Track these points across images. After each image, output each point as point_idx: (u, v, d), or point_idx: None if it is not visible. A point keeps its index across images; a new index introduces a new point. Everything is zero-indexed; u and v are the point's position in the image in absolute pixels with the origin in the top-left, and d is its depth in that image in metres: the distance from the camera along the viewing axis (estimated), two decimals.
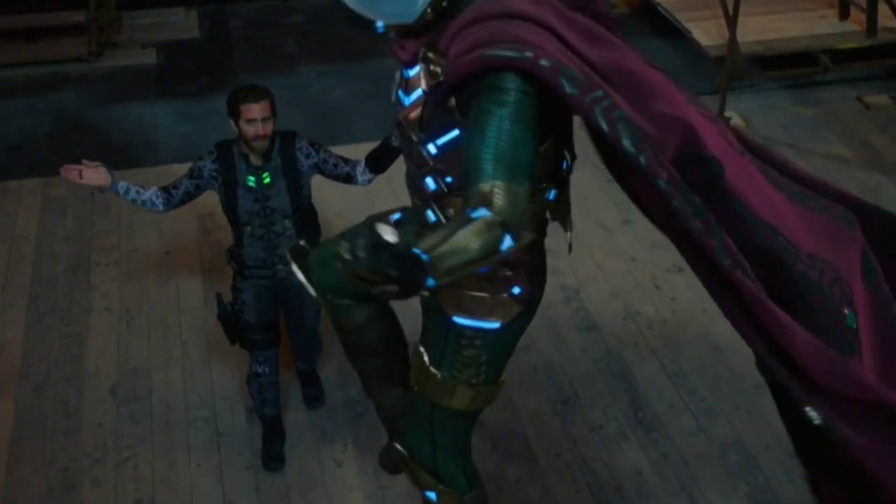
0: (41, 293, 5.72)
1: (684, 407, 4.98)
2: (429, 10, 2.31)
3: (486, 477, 4.54)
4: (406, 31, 2.35)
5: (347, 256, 1.95)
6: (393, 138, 3.88)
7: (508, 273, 2.73)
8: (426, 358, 2.77)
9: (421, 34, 2.35)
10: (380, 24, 2.34)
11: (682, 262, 5.75)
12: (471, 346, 2.78)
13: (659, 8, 8.23)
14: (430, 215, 2.57)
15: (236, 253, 4.49)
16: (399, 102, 2.45)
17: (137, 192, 4.36)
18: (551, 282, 5.75)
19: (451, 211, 2.49)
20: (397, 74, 2.47)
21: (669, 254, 5.96)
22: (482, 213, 2.20)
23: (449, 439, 2.96)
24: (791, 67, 7.65)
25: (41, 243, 6.12)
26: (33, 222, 6.31)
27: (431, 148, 2.42)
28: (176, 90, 7.79)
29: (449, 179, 2.45)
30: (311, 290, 2.86)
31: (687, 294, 5.70)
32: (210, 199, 6.08)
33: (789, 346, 2.41)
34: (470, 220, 2.17)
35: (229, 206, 4.40)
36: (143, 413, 4.93)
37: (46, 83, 7.84)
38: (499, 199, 2.17)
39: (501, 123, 2.19)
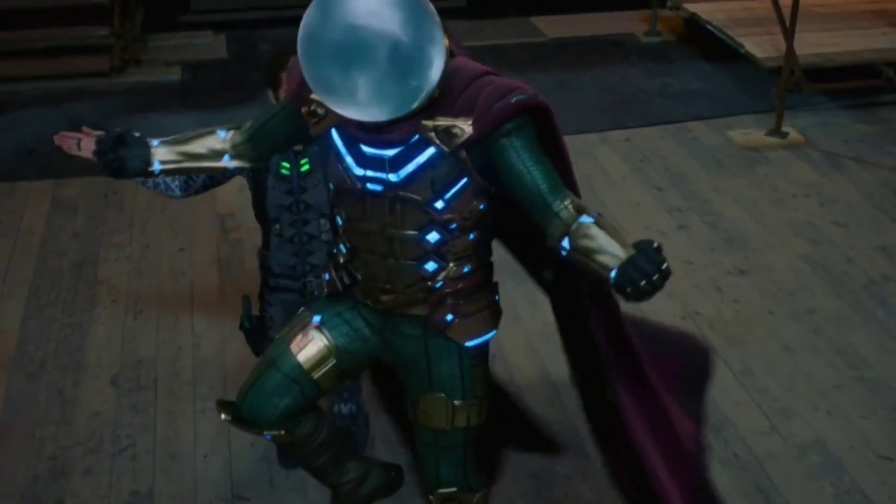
0: (43, 285, 5.26)
1: (755, 406, 4.42)
2: (436, 91, 2.40)
3: (532, 474, 4.02)
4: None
5: (646, 285, 2.38)
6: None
7: (496, 280, 2.86)
8: (451, 401, 2.79)
9: (412, 114, 2.41)
10: (380, 116, 2.43)
11: (745, 265, 5.43)
12: (479, 363, 2.83)
13: (708, 26, 7.84)
14: (431, 266, 2.61)
15: (263, 256, 3.77)
16: (380, 182, 2.51)
17: None
18: None
19: (452, 255, 2.61)
20: (348, 161, 2.55)
21: (730, 257, 5.58)
22: (587, 218, 2.46)
23: (475, 451, 3.00)
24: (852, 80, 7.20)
25: (47, 239, 5.69)
26: (40, 220, 5.88)
27: (439, 204, 2.51)
28: (199, 103, 7.43)
29: (453, 226, 2.55)
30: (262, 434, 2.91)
31: (751, 296, 5.18)
32: (231, 198, 5.72)
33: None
34: (597, 225, 2.47)
35: (257, 198, 3.64)
36: (147, 402, 4.41)
37: (65, 96, 7.50)
38: (580, 203, 2.50)
39: (539, 152, 2.43)
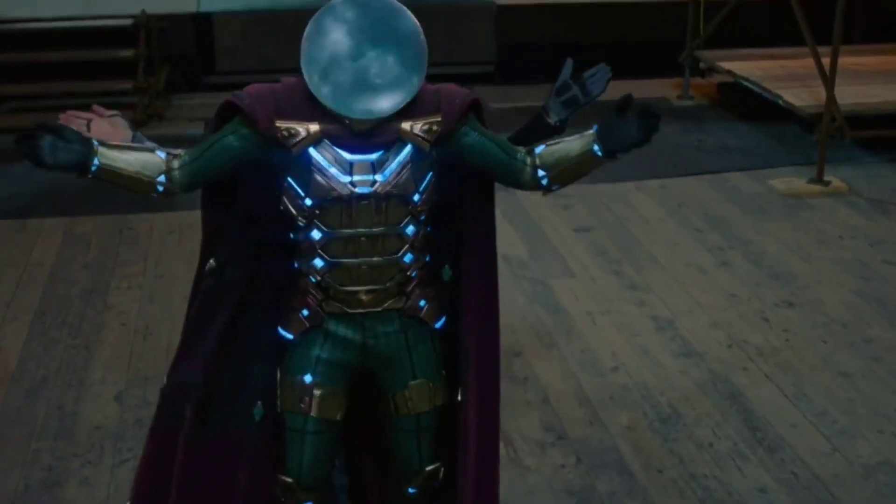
0: (49, 310, 4.99)
1: (812, 428, 4.05)
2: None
3: (571, 491, 3.67)
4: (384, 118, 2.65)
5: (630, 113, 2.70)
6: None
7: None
8: (431, 383, 2.91)
9: (394, 117, 2.64)
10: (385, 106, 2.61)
11: (793, 299, 5.10)
12: (442, 344, 2.94)
13: (744, 82, 7.65)
14: (408, 257, 2.78)
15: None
16: (368, 184, 2.69)
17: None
18: (639, 312, 5.02)
19: (418, 246, 2.80)
20: (333, 171, 2.69)
21: (777, 291, 5.26)
22: (540, 146, 2.79)
23: None
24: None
25: (57, 269, 5.44)
26: (51, 252, 5.64)
27: (416, 197, 2.72)
28: None
29: (423, 217, 2.77)
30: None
31: (801, 327, 4.85)
32: None
33: None
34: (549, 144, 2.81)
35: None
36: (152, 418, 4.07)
37: None
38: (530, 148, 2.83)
39: (488, 130, 2.80)
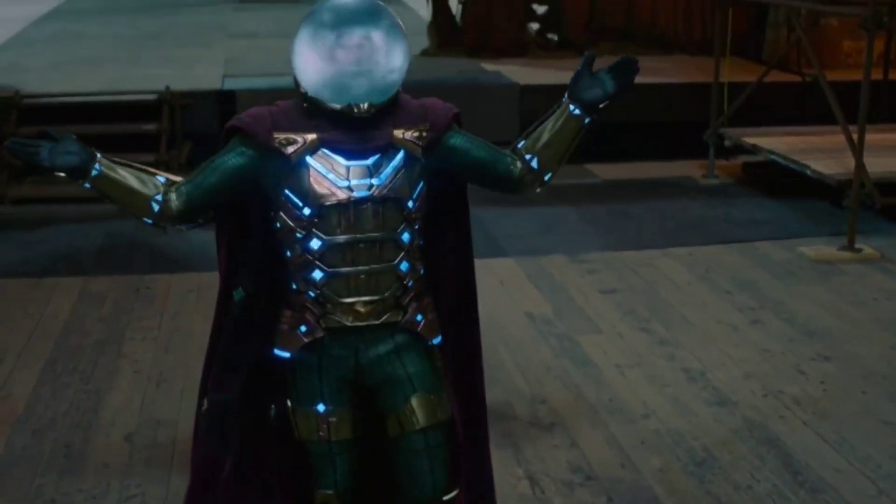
0: (61, 358, 4.87)
1: (857, 472, 3.85)
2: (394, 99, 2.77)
3: None
4: (373, 119, 2.72)
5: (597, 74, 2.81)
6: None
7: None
8: (432, 395, 2.85)
9: (382, 122, 2.74)
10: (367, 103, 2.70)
11: (830, 352, 4.92)
12: (439, 360, 2.91)
13: (771, 156, 7.58)
14: (404, 266, 2.78)
15: None
16: (365, 188, 2.74)
17: None
18: (669, 365, 4.84)
19: (413, 256, 2.82)
20: (331, 177, 2.73)
21: (812, 347, 5.07)
22: (521, 140, 2.89)
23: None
24: None
25: (71, 322, 5.33)
26: (66, 307, 5.54)
27: (410, 203, 2.76)
28: None
29: (416, 226, 2.79)
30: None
31: (839, 378, 4.67)
32: None
33: None
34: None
35: None
36: (163, 458, 3.94)
37: (105, 216, 7.25)
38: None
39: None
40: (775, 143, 7.77)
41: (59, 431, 4.15)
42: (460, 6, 10.76)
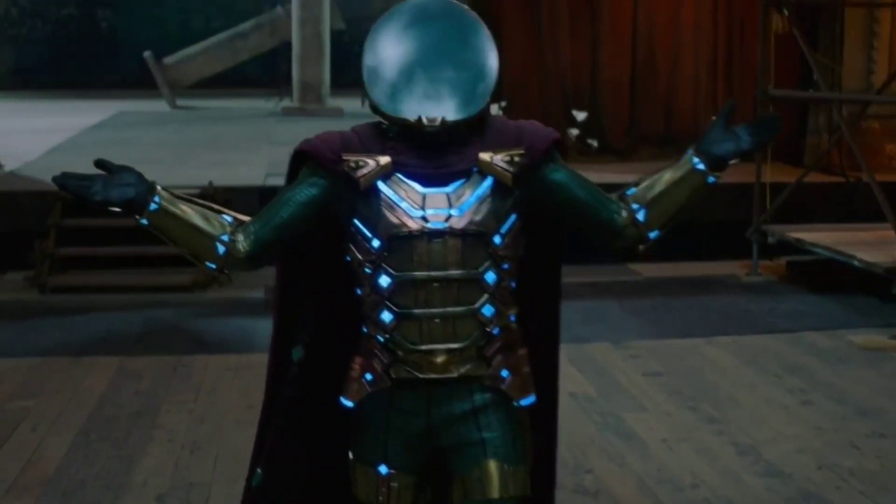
0: (94, 428, 4.79)
1: None
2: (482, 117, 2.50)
3: None
4: (456, 140, 2.47)
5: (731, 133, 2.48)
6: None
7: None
8: (505, 465, 2.50)
9: (466, 143, 2.47)
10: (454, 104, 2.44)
11: (886, 430, 4.76)
12: (525, 429, 2.55)
13: (815, 249, 7.49)
14: (488, 310, 2.44)
15: None
16: (443, 219, 2.44)
17: None
18: (718, 440, 4.69)
19: (501, 301, 2.48)
20: (404, 205, 2.45)
21: (866, 425, 4.90)
22: (632, 189, 2.55)
23: None
24: None
25: (107, 395, 5.26)
26: (102, 382, 5.47)
27: (497, 239, 2.44)
28: None
29: (506, 266, 2.46)
30: None
31: None
32: None
33: None
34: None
35: None
36: None
37: (146, 305, 7.26)
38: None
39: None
40: (820, 237, 7.68)
41: (89, 492, 4.06)
42: (500, 112, 10.88)
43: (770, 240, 8.16)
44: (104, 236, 7.92)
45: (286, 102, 15.59)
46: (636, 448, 4.58)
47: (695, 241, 8.96)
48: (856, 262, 7.00)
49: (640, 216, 2.50)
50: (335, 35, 15.99)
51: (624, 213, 2.50)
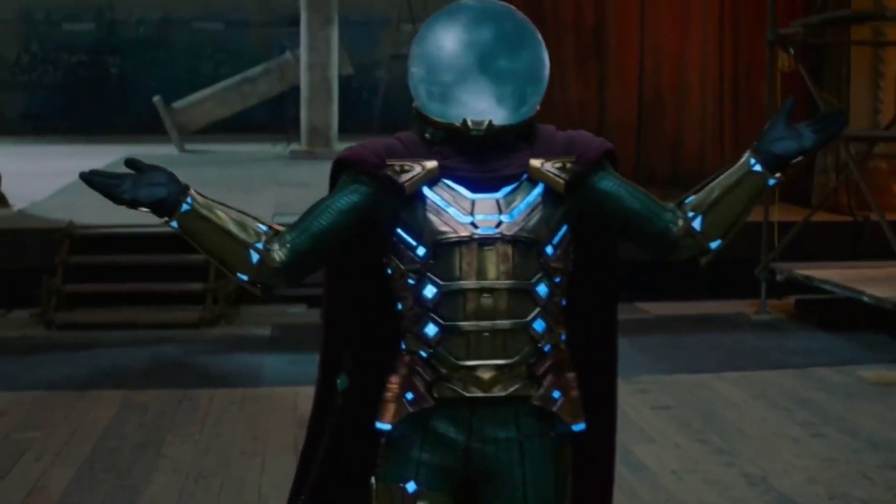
0: (98, 459, 4.76)
1: None
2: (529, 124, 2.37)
3: None
4: (503, 146, 2.33)
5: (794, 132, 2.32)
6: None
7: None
8: None
9: (514, 150, 2.34)
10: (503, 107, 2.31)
11: None
12: (569, 463, 2.37)
13: (826, 286, 7.46)
14: (539, 325, 2.28)
15: None
16: (493, 225, 2.29)
17: None
18: (728, 472, 4.63)
19: (552, 316, 2.32)
20: (452, 211, 2.30)
21: (879, 457, 4.84)
22: (690, 197, 2.39)
23: None
24: None
25: (112, 427, 5.23)
26: (107, 414, 5.44)
27: (549, 249, 2.29)
28: (290, 348, 7.08)
29: (558, 279, 2.31)
30: None
31: None
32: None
33: None
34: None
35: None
36: None
37: (152, 340, 7.24)
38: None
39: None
40: (829, 274, 7.66)
41: None
42: None
43: (779, 277, 8.13)
44: (111, 273, 7.95)
45: (294, 146, 15.67)
46: (646, 479, 4.53)
47: (702, 280, 8.96)
48: (865, 298, 6.97)
49: (697, 224, 2.34)
50: (343, 79, 16.12)
51: (680, 223, 2.35)
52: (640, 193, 2.36)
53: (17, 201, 9.96)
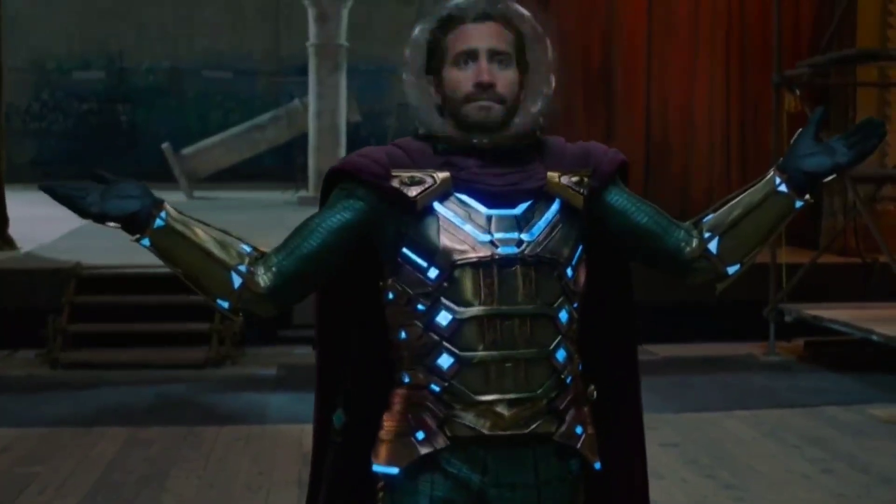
0: (101, 491, 4.72)
1: None
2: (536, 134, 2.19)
3: None
4: (514, 158, 2.14)
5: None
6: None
7: None
8: None
9: (528, 161, 2.15)
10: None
11: None
12: None
13: (835, 326, 7.42)
14: (561, 354, 2.08)
15: None
16: (513, 243, 2.09)
17: None
18: None
19: (571, 345, 2.13)
20: (468, 228, 2.09)
21: (892, 492, 4.78)
22: (709, 215, 2.21)
23: None
24: None
25: (116, 461, 5.19)
26: (112, 449, 5.41)
27: (569, 271, 2.10)
28: (296, 387, 7.03)
29: (576, 304, 2.12)
30: None
31: None
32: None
33: None
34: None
35: None
36: None
37: (158, 380, 7.21)
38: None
39: None
40: (838, 314, 7.63)
41: None
42: None
43: (787, 318, 8.09)
44: (117, 313, 7.95)
45: (303, 192, 15.72)
46: None
47: (711, 322, 8.92)
48: (874, 337, 6.93)
49: (713, 247, 2.14)
50: (351, 126, 16.20)
51: (694, 243, 2.15)
52: (652, 210, 2.19)
53: (25, 244, 9.98)
